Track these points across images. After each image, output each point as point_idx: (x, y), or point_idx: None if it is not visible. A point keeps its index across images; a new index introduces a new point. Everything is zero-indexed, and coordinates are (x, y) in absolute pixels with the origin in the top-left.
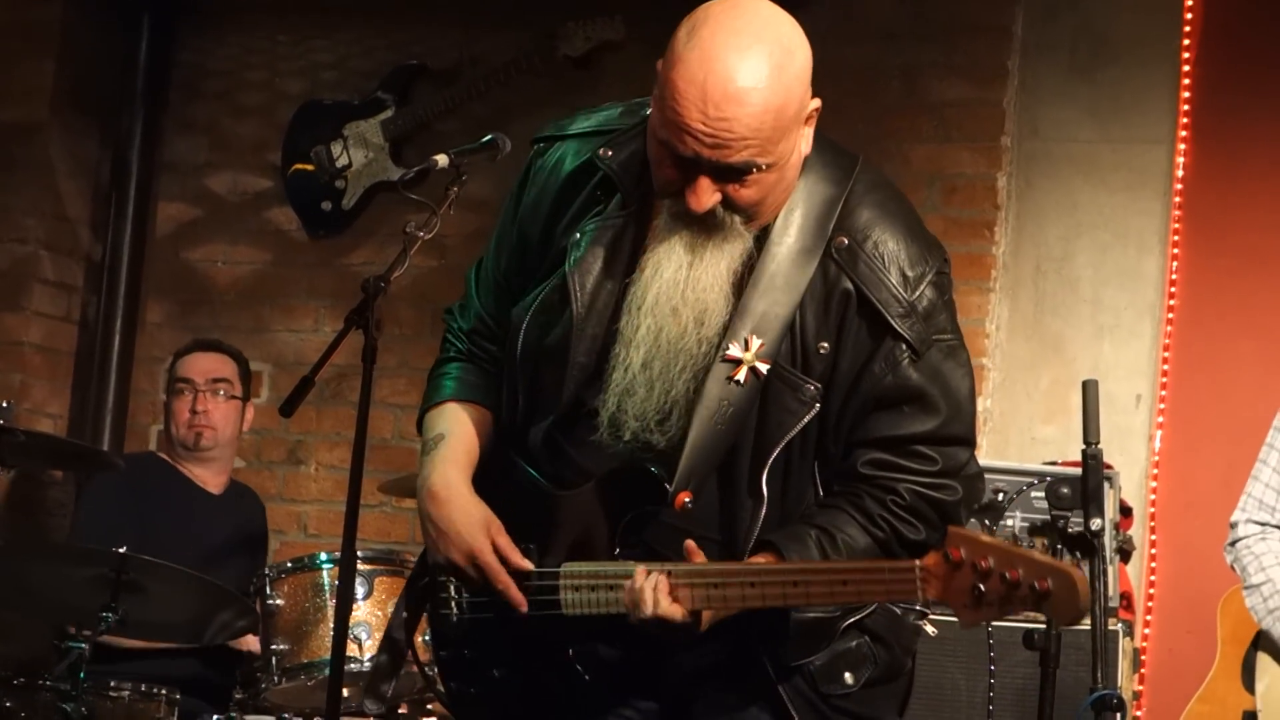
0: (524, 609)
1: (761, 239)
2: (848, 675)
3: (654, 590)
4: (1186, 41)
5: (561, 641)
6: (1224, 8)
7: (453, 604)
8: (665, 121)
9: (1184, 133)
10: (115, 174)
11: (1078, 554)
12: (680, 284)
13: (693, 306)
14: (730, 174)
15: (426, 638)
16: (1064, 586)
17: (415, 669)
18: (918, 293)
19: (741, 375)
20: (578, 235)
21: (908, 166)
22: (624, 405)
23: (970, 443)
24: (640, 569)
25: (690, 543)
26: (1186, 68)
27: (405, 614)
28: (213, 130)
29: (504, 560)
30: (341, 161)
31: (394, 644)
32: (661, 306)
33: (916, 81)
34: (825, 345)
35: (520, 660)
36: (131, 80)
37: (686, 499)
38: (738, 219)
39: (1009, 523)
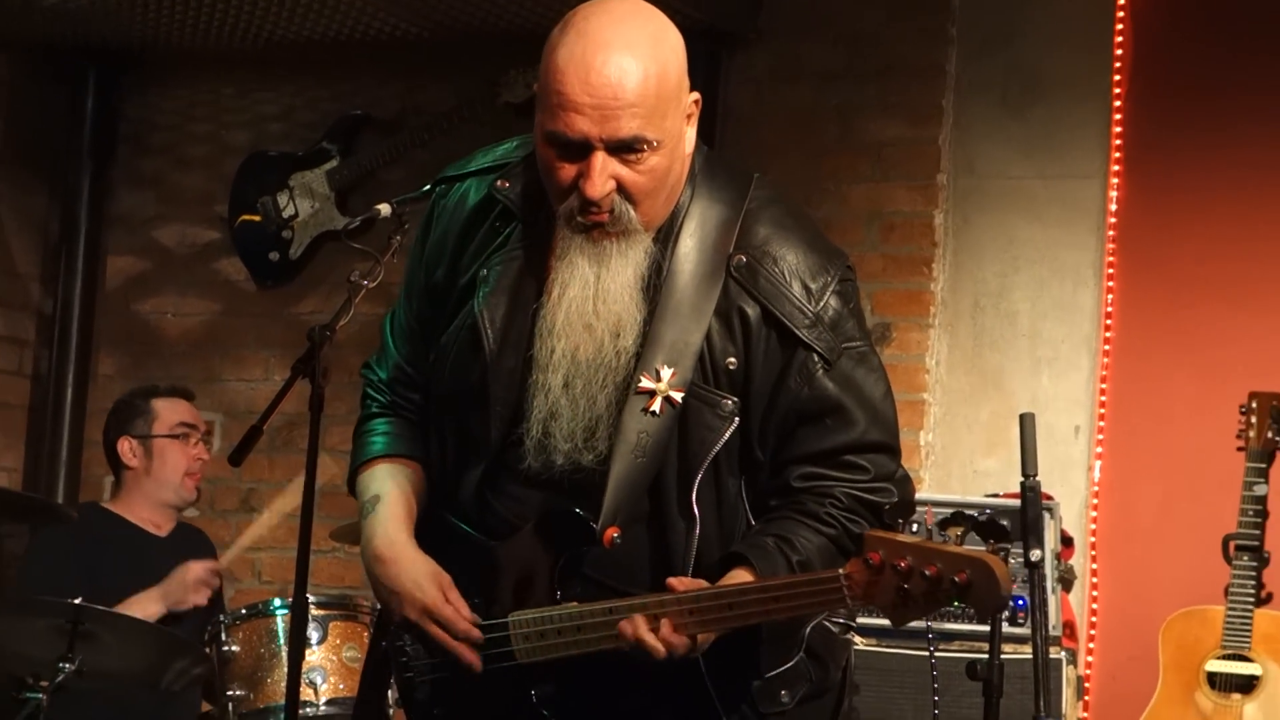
0: (477, 667)
1: (664, 263)
2: (784, 694)
3: (655, 633)
4: (1117, 77)
5: (523, 687)
6: (1153, 44)
7: (412, 666)
8: (550, 111)
9: (1117, 167)
10: (64, 228)
11: (991, 540)
12: (590, 299)
13: (605, 320)
14: (621, 150)
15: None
16: (982, 576)
17: None
18: (822, 303)
19: (657, 406)
20: (484, 271)
21: (846, 205)
22: (550, 429)
23: (893, 448)
24: (624, 623)
25: (671, 580)
26: (1117, 103)
27: (373, 678)
28: (160, 183)
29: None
30: (288, 212)
31: (367, 707)
32: (574, 325)
33: (853, 122)
34: (733, 360)
35: (488, 711)
36: (78, 135)
37: (615, 534)
38: (633, 214)
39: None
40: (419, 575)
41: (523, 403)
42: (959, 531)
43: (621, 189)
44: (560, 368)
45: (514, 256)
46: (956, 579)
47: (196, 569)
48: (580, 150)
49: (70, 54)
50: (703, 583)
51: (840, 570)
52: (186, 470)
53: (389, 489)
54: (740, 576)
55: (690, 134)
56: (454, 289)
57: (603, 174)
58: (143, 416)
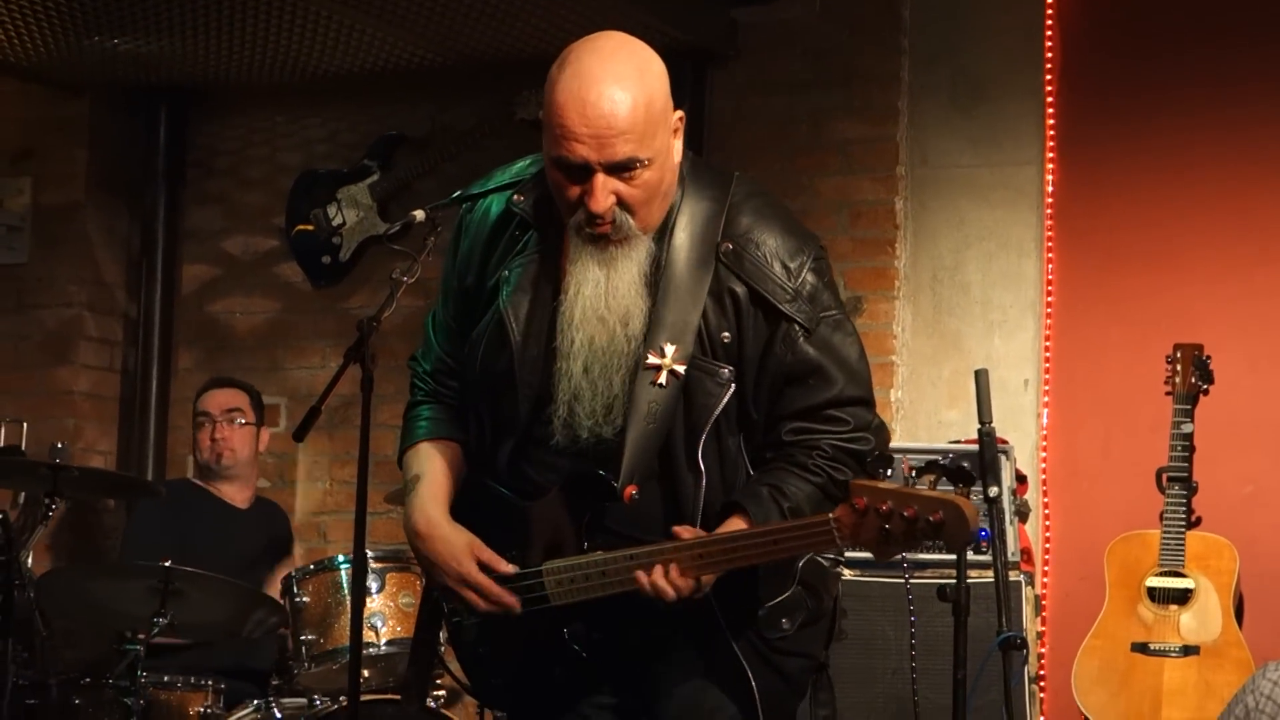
0: (518, 609)
1: (661, 256)
2: (784, 621)
3: (665, 578)
4: (1048, 77)
5: (556, 625)
6: (1078, 49)
7: (460, 611)
8: (555, 140)
9: (1051, 154)
10: (144, 243)
11: (959, 485)
12: (602, 296)
13: (615, 312)
14: (618, 170)
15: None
16: (953, 515)
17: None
18: (800, 280)
19: (663, 378)
20: (506, 273)
21: (818, 197)
22: (574, 409)
23: (869, 401)
24: (639, 573)
25: (678, 528)
26: (1049, 100)
27: (427, 621)
28: (225, 201)
29: (491, 567)
30: (337, 221)
31: (422, 648)
32: (589, 318)
33: (822, 124)
34: (727, 335)
35: (528, 649)
36: (153, 162)
37: (633, 491)
38: (631, 220)
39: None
40: (455, 549)
41: (548, 386)
42: (932, 479)
43: (621, 202)
44: (580, 355)
45: (531, 259)
46: (932, 519)
47: None
48: (583, 172)
49: (144, 93)
50: (703, 532)
51: (830, 515)
52: (209, 448)
53: (428, 469)
54: (736, 523)
55: (678, 146)
56: (483, 291)
57: (603, 191)
58: (193, 412)
